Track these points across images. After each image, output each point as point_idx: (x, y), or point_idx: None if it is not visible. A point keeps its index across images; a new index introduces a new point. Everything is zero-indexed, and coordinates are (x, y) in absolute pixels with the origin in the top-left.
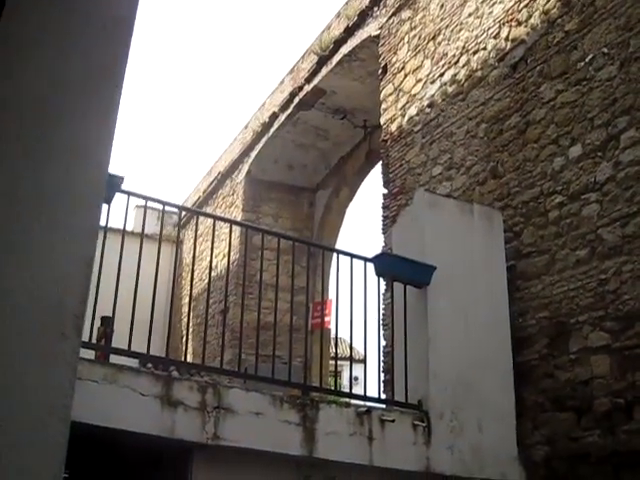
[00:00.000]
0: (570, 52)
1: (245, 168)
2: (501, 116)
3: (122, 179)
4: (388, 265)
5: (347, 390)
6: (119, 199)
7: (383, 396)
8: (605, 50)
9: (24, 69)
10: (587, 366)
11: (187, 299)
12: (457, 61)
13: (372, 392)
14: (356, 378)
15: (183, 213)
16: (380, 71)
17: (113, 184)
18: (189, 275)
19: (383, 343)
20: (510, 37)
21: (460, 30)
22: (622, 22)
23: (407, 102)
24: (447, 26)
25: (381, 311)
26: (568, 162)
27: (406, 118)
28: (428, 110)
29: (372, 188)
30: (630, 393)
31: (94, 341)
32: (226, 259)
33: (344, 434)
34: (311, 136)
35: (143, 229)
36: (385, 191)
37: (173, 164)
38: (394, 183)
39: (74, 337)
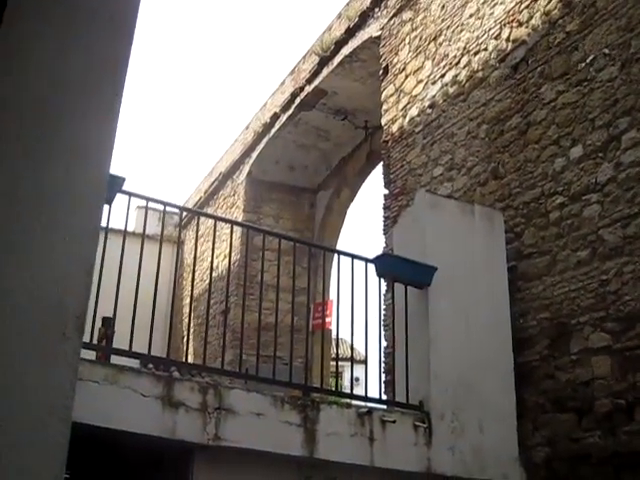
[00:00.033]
0: (571, 53)
1: (246, 169)
2: (502, 117)
3: (123, 180)
4: (389, 266)
5: (348, 391)
6: (120, 200)
7: (384, 397)
8: (606, 51)
9: (24, 69)
10: (588, 367)
11: (188, 300)
12: (458, 62)
13: (373, 393)
14: (357, 379)
15: (184, 214)
16: (381, 72)
17: (114, 185)
18: (190, 276)
19: (384, 344)
20: (511, 38)
21: (461, 31)
22: (623, 23)
23: (408, 103)
24: (448, 27)
25: (382, 312)
26: (569, 163)
27: (407, 119)
28: (429, 111)
29: (373, 189)
30: (631, 394)
31: (95, 342)
32: (227, 260)
33: (345, 435)
34: (312, 137)
35: (144, 230)
36: (386, 192)
37: (174, 165)
38: (395, 184)
39: (75, 337)
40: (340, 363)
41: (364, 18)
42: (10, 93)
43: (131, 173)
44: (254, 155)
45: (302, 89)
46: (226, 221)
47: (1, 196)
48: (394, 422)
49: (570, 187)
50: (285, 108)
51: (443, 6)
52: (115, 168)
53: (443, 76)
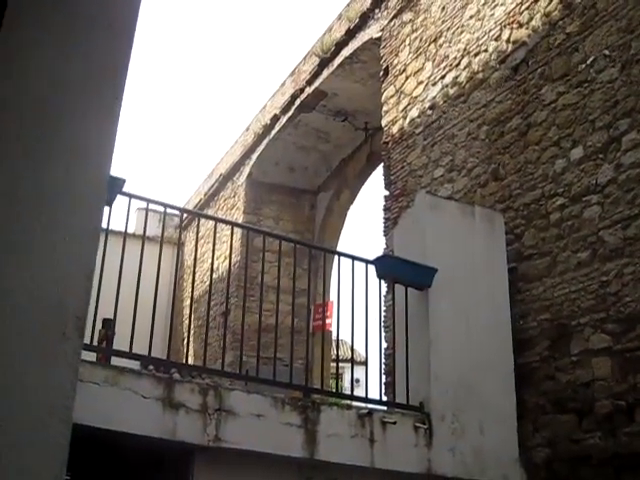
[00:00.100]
0: (571, 54)
1: (246, 170)
2: (502, 118)
3: (124, 181)
4: (389, 267)
5: (348, 392)
6: (120, 201)
7: (384, 398)
8: (606, 52)
9: (25, 69)
10: (588, 368)
11: (188, 301)
12: (458, 63)
13: (373, 394)
14: (357, 380)
15: (184, 215)
16: (381, 73)
17: (115, 186)
18: (190, 277)
19: (384, 345)
20: (511, 39)
21: (461, 32)
22: (623, 24)
23: (408, 104)
24: (448, 28)
25: (382, 313)
26: (569, 164)
27: (407, 120)
28: (429, 112)
29: (373, 190)
30: (631, 395)
31: (95, 343)
32: (227, 261)
33: (345, 436)
34: (312, 138)
35: (144, 231)
36: (386, 193)
37: (174, 166)
38: (395, 185)
39: (75, 338)
40: (340, 364)
41: (364, 19)
42: (10, 94)
43: (131, 175)
44: (254, 157)
45: (302, 90)
46: (226, 223)
47: (1, 196)
48: (394, 423)
49: (570, 188)
50: (285, 110)
51: (443, 7)
52: (115, 170)
53: (443, 77)
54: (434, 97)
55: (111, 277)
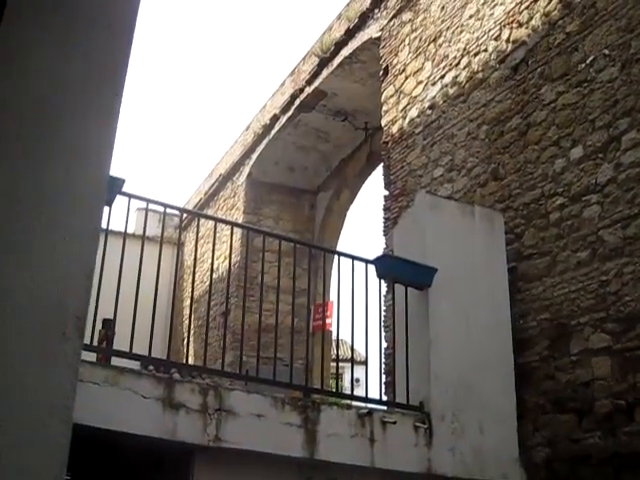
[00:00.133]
0: (571, 54)
1: (246, 170)
2: (502, 118)
3: (123, 181)
4: (389, 267)
5: (348, 392)
6: (120, 201)
7: (384, 398)
8: (606, 52)
9: (24, 69)
10: (588, 368)
11: (188, 301)
12: (458, 63)
13: (373, 394)
14: (357, 380)
15: (184, 215)
16: (381, 73)
17: (114, 186)
18: (190, 277)
19: (384, 345)
20: (511, 39)
21: (461, 32)
22: (623, 24)
23: (408, 104)
24: (448, 28)
25: (382, 313)
26: (569, 164)
27: (407, 120)
28: (429, 112)
29: (373, 190)
30: (631, 395)
31: (95, 343)
32: (227, 261)
33: (345, 436)
34: (312, 138)
35: (144, 231)
36: (386, 193)
37: (174, 166)
38: (395, 185)
39: (75, 338)
40: (340, 364)
41: (364, 19)
42: (10, 94)
43: (131, 175)
44: (254, 157)
45: (302, 90)
46: (226, 223)
47: (1, 196)
48: (394, 423)
49: (570, 188)
50: (285, 109)
51: (443, 7)
52: (115, 170)
53: (443, 77)
54: (434, 97)
55: (111, 277)
